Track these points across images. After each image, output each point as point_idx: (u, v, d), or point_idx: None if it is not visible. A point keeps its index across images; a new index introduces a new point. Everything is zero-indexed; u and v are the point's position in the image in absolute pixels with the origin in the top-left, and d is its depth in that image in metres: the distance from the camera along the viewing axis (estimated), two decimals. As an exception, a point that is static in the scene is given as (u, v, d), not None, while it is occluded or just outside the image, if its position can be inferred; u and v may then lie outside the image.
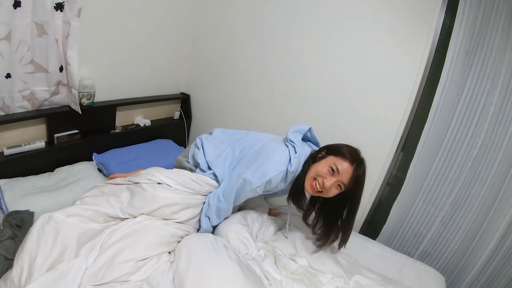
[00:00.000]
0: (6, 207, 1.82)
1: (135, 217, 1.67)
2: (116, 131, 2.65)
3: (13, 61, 1.89)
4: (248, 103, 2.93)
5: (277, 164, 1.69)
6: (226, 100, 3.03)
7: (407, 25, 2.14)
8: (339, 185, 1.64)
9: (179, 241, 1.70)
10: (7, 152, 1.98)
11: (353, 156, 1.67)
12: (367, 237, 2.25)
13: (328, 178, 1.62)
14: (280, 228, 2.02)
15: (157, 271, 1.50)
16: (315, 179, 1.66)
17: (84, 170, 2.26)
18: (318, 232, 1.89)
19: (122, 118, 2.73)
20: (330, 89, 2.47)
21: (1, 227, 1.62)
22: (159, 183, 1.77)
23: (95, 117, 2.45)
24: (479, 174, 2.13)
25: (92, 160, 2.45)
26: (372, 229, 2.54)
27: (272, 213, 2.25)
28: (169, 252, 1.64)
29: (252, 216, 1.98)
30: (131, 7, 2.45)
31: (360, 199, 1.70)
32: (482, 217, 2.16)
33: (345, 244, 1.83)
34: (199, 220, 1.83)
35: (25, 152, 2.05)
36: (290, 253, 1.80)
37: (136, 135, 2.73)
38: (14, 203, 1.83)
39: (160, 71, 2.95)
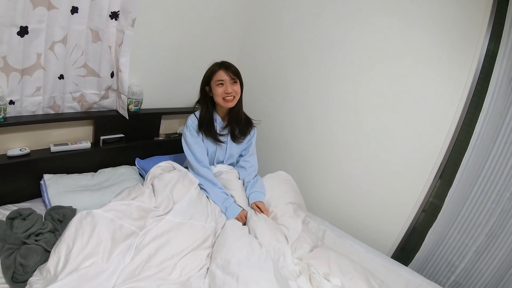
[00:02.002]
0: (49, 201, 1.80)
1: (160, 205, 1.76)
2: (159, 138, 2.60)
3: (67, 63, 1.90)
4: (291, 117, 2.81)
5: (190, 117, 2.11)
6: (268, 112, 2.92)
7: (451, 51, 1.97)
8: (233, 81, 1.99)
9: (212, 237, 1.73)
10: (53, 149, 1.96)
11: (216, 63, 2.03)
12: (399, 263, 2.06)
13: (225, 87, 1.96)
14: (315, 246, 1.89)
15: (194, 276, 1.48)
16: (223, 98, 1.98)
17: (126, 174, 2.21)
18: (240, 135, 2.18)
19: (166, 127, 2.69)
20: (371, 111, 2.32)
21: (43, 220, 1.60)
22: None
23: (140, 123, 2.41)
24: (517, 205, 1.90)
25: (134, 164, 2.40)
26: (404, 255, 2.34)
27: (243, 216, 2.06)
28: (207, 255, 1.63)
29: (291, 231, 1.88)
30: (181, 22, 2.43)
31: (242, 81, 2.07)
32: (517, 249, 1.93)
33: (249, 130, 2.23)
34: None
35: (71, 150, 2.03)
36: (324, 272, 1.65)
37: (178, 144, 2.62)
38: (57, 199, 1.81)
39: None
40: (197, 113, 2.10)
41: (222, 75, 1.96)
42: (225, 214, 1.93)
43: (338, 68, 2.44)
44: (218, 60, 2.05)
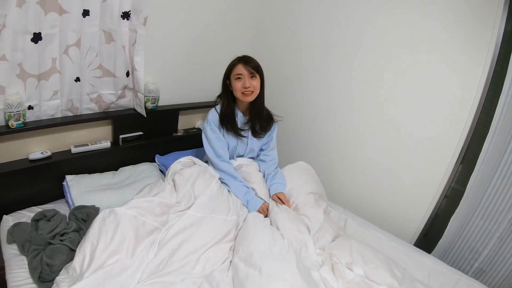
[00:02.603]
0: (72, 202, 1.82)
1: (182, 200, 1.77)
2: (178, 134, 2.60)
3: (82, 66, 1.91)
4: (310, 106, 2.77)
5: (210, 111, 2.08)
6: (287, 102, 2.89)
7: (467, 33, 1.91)
8: (252, 75, 1.95)
9: (234, 230, 1.73)
10: (74, 150, 1.98)
11: (237, 58, 2.00)
12: (422, 251, 2.02)
13: (243, 81, 1.93)
14: (337, 236, 1.87)
15: (217, 270, 1.49)
16: (242, 93, 1.95)
17: (147, 171, 2.22)
18: (260, 131, 2.16)
19: (184, 122, 2.69)
20: (391, 98, 2.27)
21: (68, 220, 1.62)
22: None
23: (158, 120, 2.41)
24: (541, 190, 1.84)
25: (154, 161, 2.41)
26: (427, 242, 2.28)
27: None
28: (230, 248, 1.64)
29: (313, 221, 1.88)
30: (193, 16, 2.41)
31: (263, 76, 2.03)
32: (541, 235, 1.87)
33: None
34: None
35: (91, 151, 2.05)
36: (347, 262, 1.64)
37: (197, 139, 2.62)
38: (80, 198, 1.83)
39: (221, 77, 2.84)
40: (218, 107, 2.08)
41: (240, 69, 1.94)
42: (246, 207, 1.92)
43: (358, 55, 2.38)
44: (239, 54, 2.03)
